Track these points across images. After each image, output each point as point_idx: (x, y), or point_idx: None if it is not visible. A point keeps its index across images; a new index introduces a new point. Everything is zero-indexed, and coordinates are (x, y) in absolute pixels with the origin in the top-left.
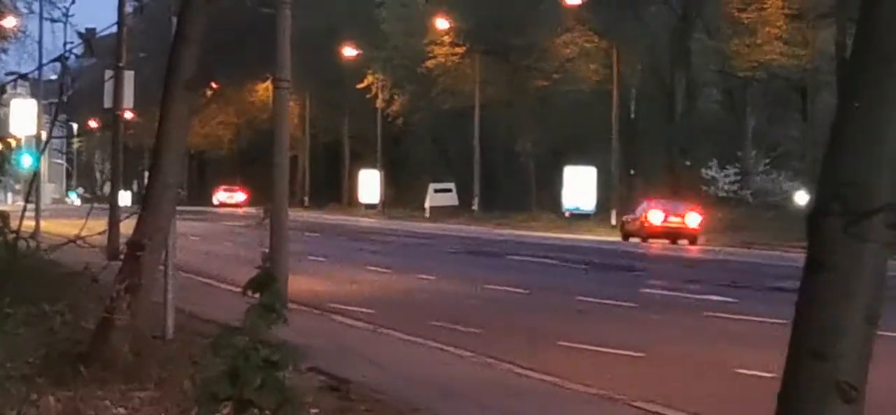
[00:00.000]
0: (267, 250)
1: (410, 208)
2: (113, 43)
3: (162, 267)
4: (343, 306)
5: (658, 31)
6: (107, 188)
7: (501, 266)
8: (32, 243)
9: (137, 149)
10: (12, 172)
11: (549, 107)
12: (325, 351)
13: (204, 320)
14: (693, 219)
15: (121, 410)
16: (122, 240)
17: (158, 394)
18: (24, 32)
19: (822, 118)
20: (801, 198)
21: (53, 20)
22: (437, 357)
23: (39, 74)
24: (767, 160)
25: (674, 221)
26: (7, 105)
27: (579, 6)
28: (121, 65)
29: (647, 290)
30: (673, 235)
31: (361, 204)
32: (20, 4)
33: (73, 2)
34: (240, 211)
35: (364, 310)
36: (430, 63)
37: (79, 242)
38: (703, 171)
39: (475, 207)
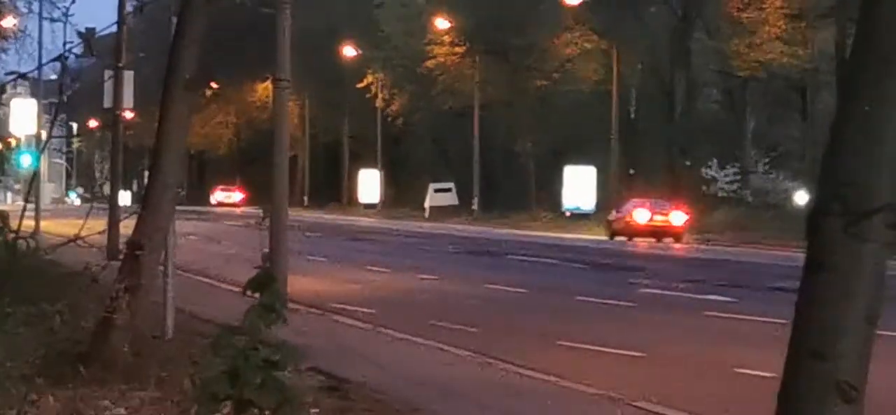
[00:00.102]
0: (267, 250)
1: (410, 208)
2: (113, 43)
3: (162, 267)
4: (343, 306)
5: (658, 30)
6: (106, 188)
7: (501, 266)
8: (32, 243)
9: (137, 149)
10: (12, 171)
11: (548, 107)
12: (325, 351)
13: (204, 319)
14: (678, 217)
15: (120, 410)
16: (122, 240)
17: (158, 394)
18: (23, 32)
19: (822, 118)
20: (801, 198)
21: (53, 20)
22: (436, 357)
23: (39, 74)
24: (767, 160)
25: (659, 219)
26: (7, 105)
27: (579, 6)
28: (120, 65)
29: (646, 289)
30: (658, 233)
31: (361, 204)
32: (20, 4)
33: (73, 1)
34: (237, 211)
35: (364, 310)
36: (429, 63)
37: (78, 241)
38: (703, 171)
39: (475, 206)
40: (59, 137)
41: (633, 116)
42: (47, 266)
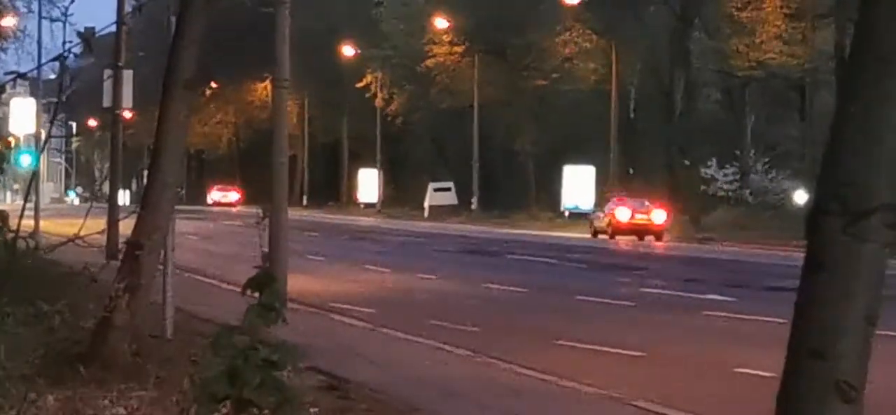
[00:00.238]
0: (266, 250)
1: (409, 208)
2: (112, 42)
3: (161, 266)
4: (342, 306)
5: (657, 30)
6: (106, 187)
7: (500, 265)
8: (31, 243)
9: (136, 148)
10: (11, 171)
11: (548, 106)
12: (325, 350)
13: (203, 319)
14: (658, 216)
15: (120, 409)
16: (122, 239)
17: (157, 393)
18: (23, 32)
19: (821, 118)
20: (800, 197)
21: (53, 19)
22: (436, 356)
23: (38, 73)
24: (766, 160)
25: (640, 218)
26: (6, 104)
27: (578, 5)
28: (120, 64)
29: (646, 289)
30: (639, 231)
31: (360, 203)
32: (19, 3)
33: (73, 1)
34: (233, 210)
35: (363, 309)
36: (429, 62)
37: (78, 241)
38: (702, 170)
39: (474, 206)
40: (59, 136)
41: (632, 115)
42: (47, 266)
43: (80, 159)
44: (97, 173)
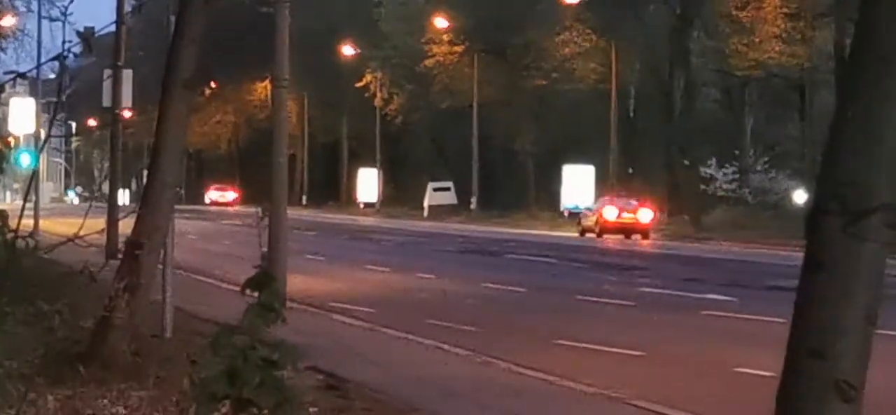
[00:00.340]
0: (265, 249)
1: (409, 207)
2: (112, 42)
3: (160, 266)
4: (342, 305)
5: (657, 30)
6: (105, 187)
7: (500, 265)
8: (31, 242)
9: (136, 148)
10: (11, 170)
11: (547, 106)
12: (325, 350)
13: (202, 319)
14: (645, 215)
15: (119, 409)
16: (121, 239)
17: (157, 393)
18: (22, 31)
19: (821, 117)
20: (800, 197)
21: (52, 19)
22: (436, 356)
23: (38, 73)
24: (766, 159)
25: (627, 217)
26: (6, 104)
27: (578, 5)
28: (119, 64)
29: (646, 288)
30: (626, 230)
31: (360, 203)
32: (19, 3)
33: (72, 0)
34: (231, 209)
35: (363, 309)
36: (428, 62)
37: (77, 241)
38: (702, 170)
39: (473, 205)
40: (58, 136)
41: (631, 115)
42: (46, 265)
43: (80, 159)
44: (97, 173)
